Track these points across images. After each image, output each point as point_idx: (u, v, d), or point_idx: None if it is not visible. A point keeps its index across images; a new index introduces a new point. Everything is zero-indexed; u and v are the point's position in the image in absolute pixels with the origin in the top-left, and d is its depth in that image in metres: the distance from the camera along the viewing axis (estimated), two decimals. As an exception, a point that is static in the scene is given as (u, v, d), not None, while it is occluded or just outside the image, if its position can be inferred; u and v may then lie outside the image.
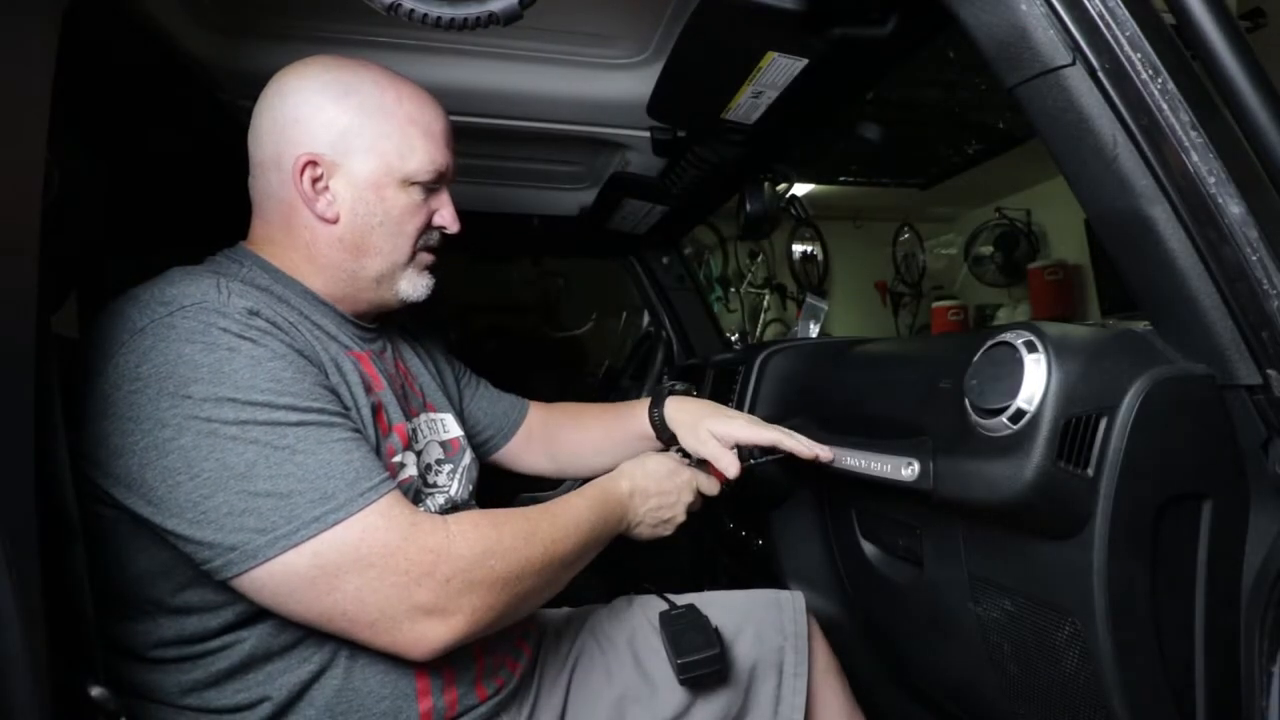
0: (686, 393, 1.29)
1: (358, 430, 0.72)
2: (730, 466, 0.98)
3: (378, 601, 0.65)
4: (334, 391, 0.73)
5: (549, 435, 1.17)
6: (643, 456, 0.98)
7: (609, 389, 2.09)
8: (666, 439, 1.09)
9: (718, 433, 1.01)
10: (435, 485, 0.86)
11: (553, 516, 0.79)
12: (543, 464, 1.18)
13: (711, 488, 1.00)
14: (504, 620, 0.73)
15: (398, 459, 0.78)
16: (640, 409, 1.12)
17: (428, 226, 0.86)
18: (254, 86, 0.83)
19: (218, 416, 0.63)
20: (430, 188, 0.84)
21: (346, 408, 0.73)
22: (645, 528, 0.93)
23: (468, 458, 0.94)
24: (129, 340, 0.65)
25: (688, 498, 0.96)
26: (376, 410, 0.78)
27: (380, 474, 0.69)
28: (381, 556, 0.65)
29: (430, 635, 0.67)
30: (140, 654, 0.69)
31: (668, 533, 0.95)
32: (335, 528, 0.64)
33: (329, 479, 0.65)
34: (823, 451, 0.97)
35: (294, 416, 0.66)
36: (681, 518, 0.96)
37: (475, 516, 0.74)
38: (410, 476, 0.79)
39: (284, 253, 0.82)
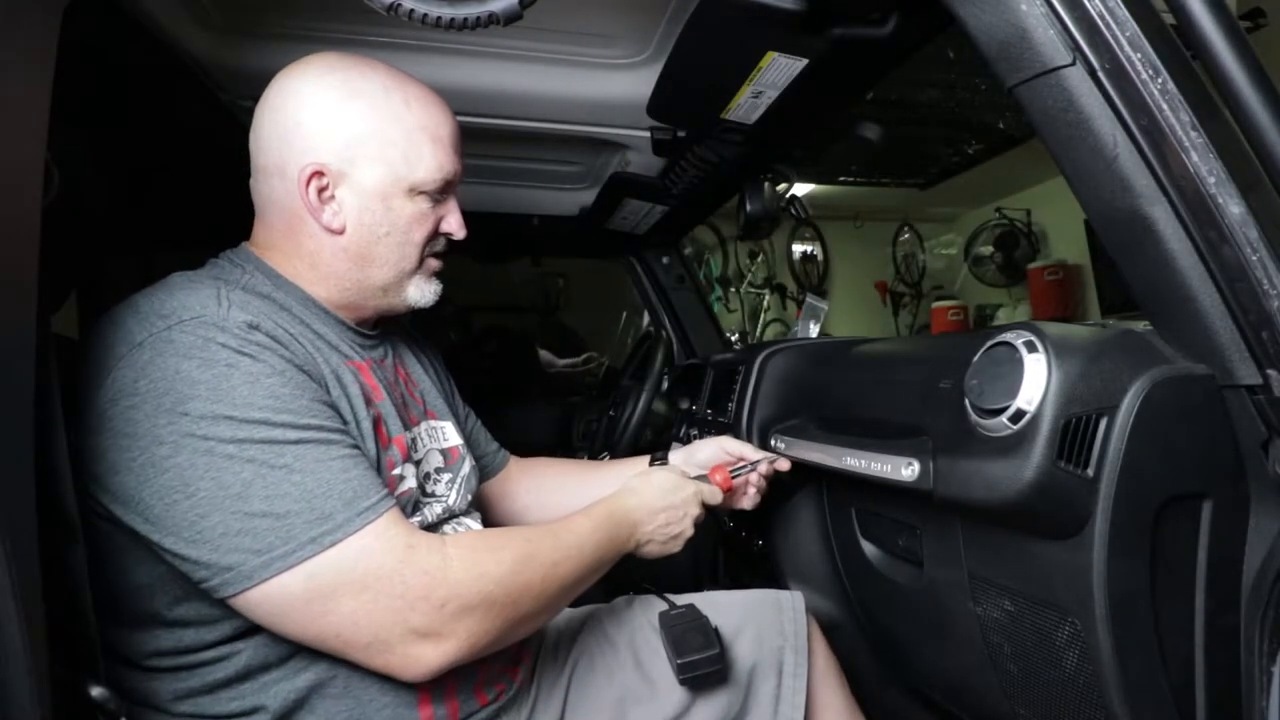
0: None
1: (356, 446, 0.71)
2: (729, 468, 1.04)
3: (372, 625, 0.64)
4: (333, 406, 0.72)
5: (529, 487, 1.15)
6: (646, 472, 0.97)
7: (609, 389, 2.09)
8: None
9: (712, 456, 1.10)
10: (434, 495, 0.85)
11: (555, 537, 0.78)
12: (515, 514, 1.16)
13: (714, 497, 1.00)
14: (500, 644, 0.72)
15: (397, 471, 0.77)
16: (626, 466, 1.14)
17: (435, 234, 0.84)
18: (254, 86, 0.83)
19: (215, 434, 0.62)
20: (438, 196, 0.82)
21: (345, 422, 0.72)
22: (655, 545, 0.92)
23: (467, 467, 0.93)
24: (127, 354, 0.64)
25: (695, 511, 0.95)
26: (376, 423, 0.77)
27: (378, 492, 0.68)
28: (376, 579, 0.64)
29: (424, 659, 0.67)
30: (136, 662, 0.68)
31: (677, 549, 0.94)
32: (331, 549, 0.63)
33: (326, 499, 0.64)
34: (782, 463, 1.09)
35: (292, 435, 0.65)
36: (690, 532, 0.95)
37: (474, 538, 0.74)
38: (409, 489, 0.78)
39: (287, 259, 0.80)
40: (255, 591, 0.62)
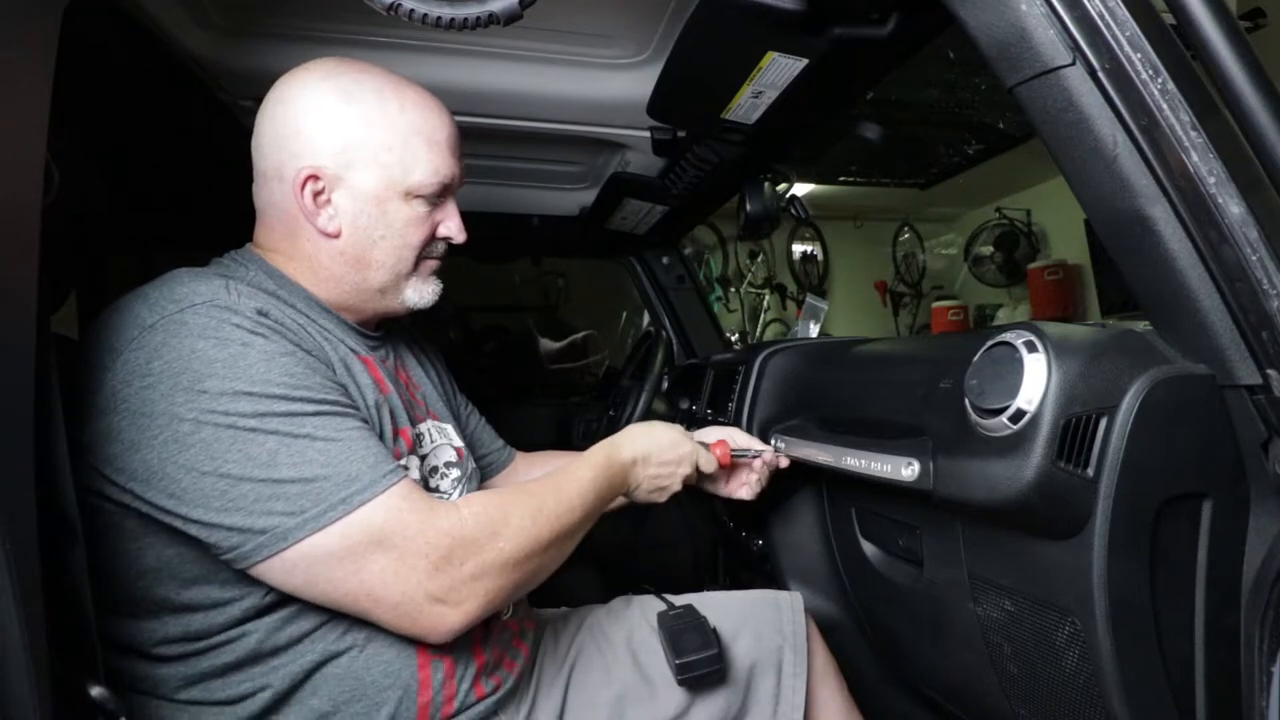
0: None
1: (367, 421, 0.73)
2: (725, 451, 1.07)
3: (400, 583, 0.67)
4: (343, 388, 0.73)
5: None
6: (649, 424, 1.00)
7: (609, 389, 2.09)
8: None
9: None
10: (437, 490, 0.86)
11: (558, 490, 0.80)
12: None
13: (710, 465, 1.03)
14: (515, 596, 0.76)
15: (402, 462, 0.78)
16: None
17: (432, 237, 0.85)
18: (254, 86, 0.83)
19: (235, 410, 0.64)
20: (435, 199, 0.83)
21: (355, 405, 0.74)
22: (642, 493, 0.96)
23: (470, 466, 0.94)
24: (139, 336, 0.65)
25: (686, 470, 0.99)
26: (384, 413, 0.78)
27: (394, 461, 0.70)
28: (404, 538, 0.67)
29: (447, 618, 0.69)
30: (144, 650, 0.69)
31: (661, 499, 0.99)
32: (362, 508, 0.65)
33: (351, 462, 0.66)
34: (783, 460, 1.11)
35: (309, 408, 0.67)
36: (676, 487, 0.99)
37: (483, 498, 0.75)
38: (414, 480, 0.78)
39: (288, 261, 0.82)
40: (291, 551, 0.64)
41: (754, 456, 1.10)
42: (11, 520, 0.48)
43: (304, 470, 0.64)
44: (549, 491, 0.79)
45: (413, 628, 0.69)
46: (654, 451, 0.95)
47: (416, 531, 0.67)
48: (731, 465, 1.08)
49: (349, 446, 0.67)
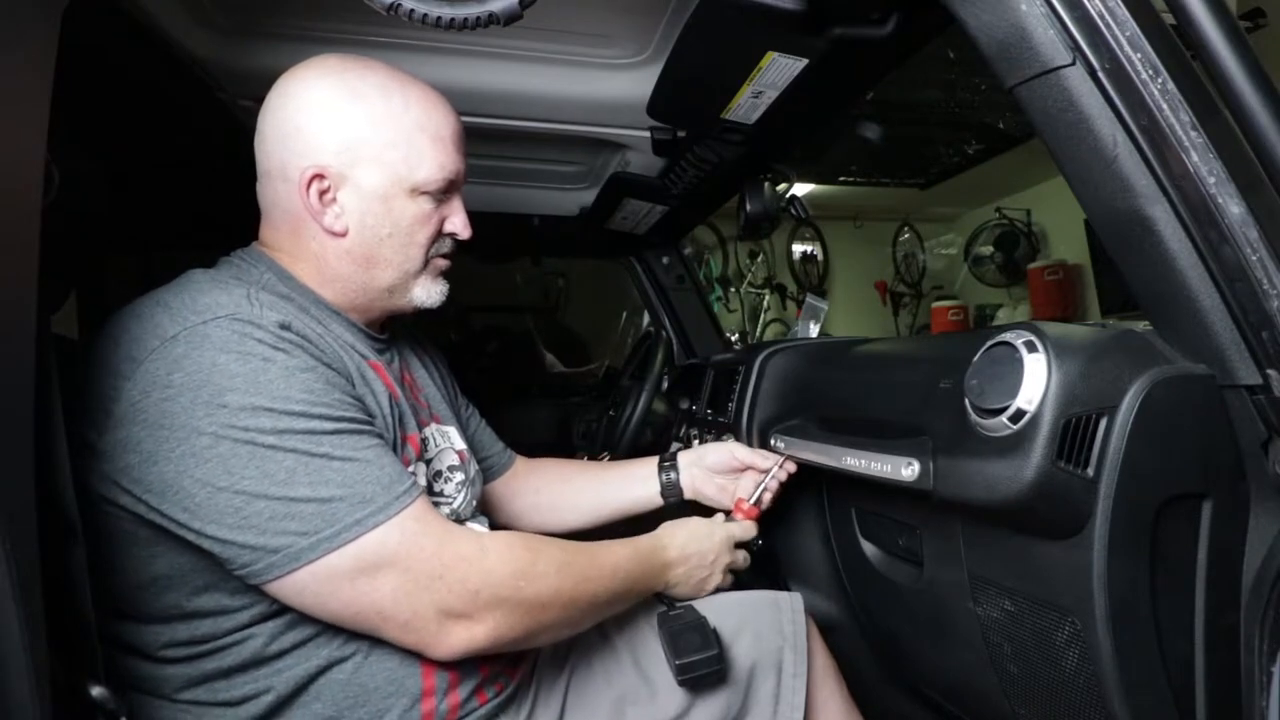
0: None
1: (383, 438, 0.73)
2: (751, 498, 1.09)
3: (411, 602, 0.67)
4: (360, 401, 0.73)
5: (535, 487, 1.17)
6: (681, 521, 1.01)
7: (609, 389, 2.09)
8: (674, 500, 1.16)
9: (720, 460, 1.13)
10: (442, 494, 0.86)
11: (591, 555, 0.81)
12: (522, 512, 1.17)
13: (748, 532, 1.04)
14: (524, 642, 0.75)
15: (410, 469, 0.78)
16: (634, 467, 1.17)
17: (439, 234, 0.85)
18: (254, 86, 0.83)
19: (255, 426, 0.64)
20: (440, 195, 0.83)
21: (371, 416, 0.74)
22: (684, 588, 0.97)
23: (473, 470, 0.94)
24: (159, 347, 0.65)
25: (725, 558, 0.99)
26: (393, 419, 0.78)
27: (409, 479, 0.70)
28: (418, 560, 0.67)
29: (454, 639, 0.69)
30: (148, 653, 0.69)
31: (708, 591, 0.99)
32: (375, 530, 0.66)
33: (366, 483, 0.66)
34: (790, 466, 1.11)
35: (328, 425, 0.67)
36: (718, 578, 0.99)
37: (511, 537, 0.76)
38: (420, 487, 0.79)
39: (295, 261, 0.81)
40: (303, 572, 0.64)
41: (764, 484, 1.10)
42: (11, 520, 0.48)
43: (320, 490, 0.64)
44: (582, 553, 0.80)
45: (419, 644, 0.70)
46: (686, 543, 0.96)
47: (432, 554, 0.68)
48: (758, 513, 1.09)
49: (365, 467, 0.67)
